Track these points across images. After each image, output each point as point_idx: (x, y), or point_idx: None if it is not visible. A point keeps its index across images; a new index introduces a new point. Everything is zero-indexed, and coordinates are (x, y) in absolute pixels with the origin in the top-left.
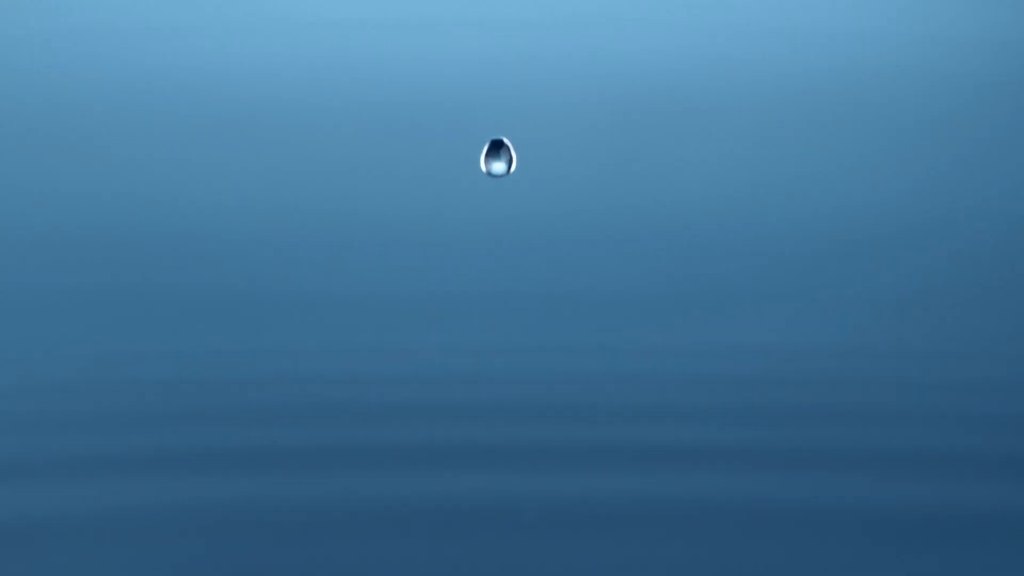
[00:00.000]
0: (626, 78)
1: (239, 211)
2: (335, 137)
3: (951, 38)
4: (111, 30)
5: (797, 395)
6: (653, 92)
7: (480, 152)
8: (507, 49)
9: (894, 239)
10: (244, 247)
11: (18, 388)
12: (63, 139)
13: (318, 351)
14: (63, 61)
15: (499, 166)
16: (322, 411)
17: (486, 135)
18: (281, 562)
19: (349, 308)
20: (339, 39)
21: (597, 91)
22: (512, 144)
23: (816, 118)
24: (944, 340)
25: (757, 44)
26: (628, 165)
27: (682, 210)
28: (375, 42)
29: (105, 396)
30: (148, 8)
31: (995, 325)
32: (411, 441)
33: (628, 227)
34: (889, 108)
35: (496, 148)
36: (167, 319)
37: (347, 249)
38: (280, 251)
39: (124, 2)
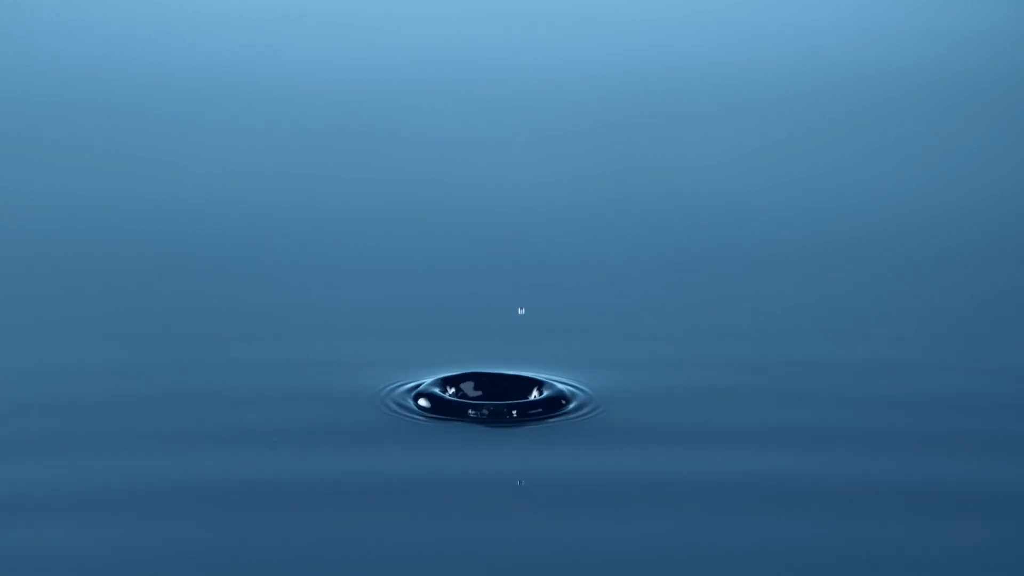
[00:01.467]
0: (625, 77)
1: (237, 208)
2: (331, 136)
3: (951, 34)
4: (108, 27)
5: (800, 384)
6: (652, 90)
7: None
8: (505, 46)
9: (896, 234)
10: (238, 242)
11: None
12: (44, 136)
13: (317, 340)
14: (52, 56)
15: None
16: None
17: (482, 133)
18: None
19: (350, 306)
20: (337, 35)
21: (594, 89)
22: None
23: (816, 116)
24: (948, 331)
25: (755, 42)
26: (626, 163)
27: (682, 207)
28: (372, 39)
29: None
30: (145, 4)
31: (1004, 315)
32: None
33: (628, 224)
34: (890, 105)
35: None
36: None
37: (340, 247)
38: (275, 247)
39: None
